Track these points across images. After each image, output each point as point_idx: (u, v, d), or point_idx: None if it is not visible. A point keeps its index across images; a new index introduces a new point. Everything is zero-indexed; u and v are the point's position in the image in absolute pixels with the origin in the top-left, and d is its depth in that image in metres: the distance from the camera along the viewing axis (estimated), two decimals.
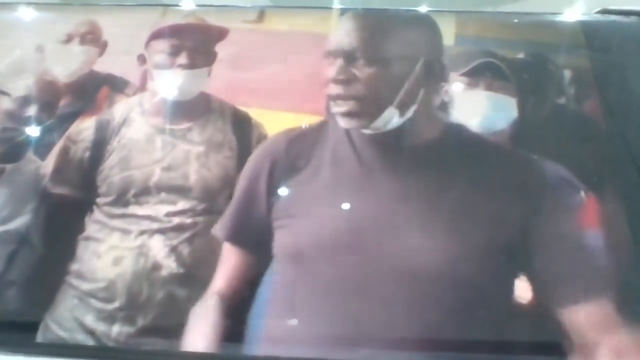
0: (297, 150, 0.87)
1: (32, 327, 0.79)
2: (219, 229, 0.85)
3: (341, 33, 0.89)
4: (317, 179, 0.84)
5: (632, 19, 1.04)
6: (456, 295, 0.75)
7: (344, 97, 0.86)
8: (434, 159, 0.85)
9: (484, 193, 0.81)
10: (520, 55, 1.00)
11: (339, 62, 0.86)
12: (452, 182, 0.82)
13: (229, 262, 0.82)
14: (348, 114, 0.86)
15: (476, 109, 0.93)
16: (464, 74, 0.95)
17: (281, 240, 0.81)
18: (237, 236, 0.84)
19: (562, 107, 0.97)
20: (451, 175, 0.83)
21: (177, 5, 1.09)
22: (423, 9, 1.06)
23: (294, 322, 0.76)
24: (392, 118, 0.86)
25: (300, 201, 0.84)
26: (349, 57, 0.86)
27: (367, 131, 0.86)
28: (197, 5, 1.09)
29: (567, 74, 0.99)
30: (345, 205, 0.81)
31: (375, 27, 0.91)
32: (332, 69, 0.86)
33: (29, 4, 1.11)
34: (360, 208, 0.81)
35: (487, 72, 0.94)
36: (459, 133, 0.89)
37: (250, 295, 0.78)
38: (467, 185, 0.82)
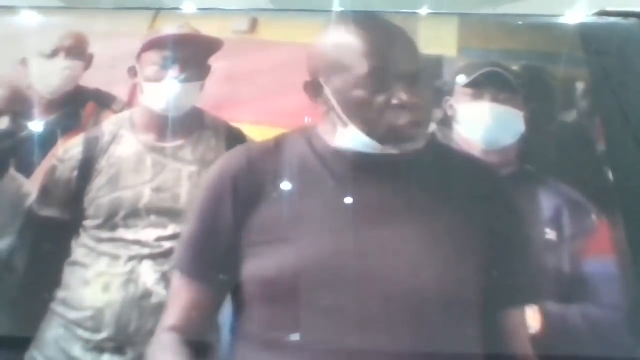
0: (261, 169, 0.80)
1: (17, 358, 0.75)
2: (175, 260, 0.78)
3: (381, 52, 0.80)
4: (291, 200, 0.78)
5: (631, 20, 1.02)
6: (445, 312, 0.72)
7: (414, 123, 0.78)
8: (407, 171, 0.81)
9: (454, 209, 0.79)
10: (525, 66, 0.97)
11: (403, 85, 0.78)
12: (426, 198, 0.79)
13: (185, 296, 0.75)
14: (413, 139, 0.79)
15: (481, 123, 0.90)
16: (468, 85, 0.91)
17: (258, 268, 0.75)
18: (196, 268, 0.77)
19: (568, 120, 0.95)
20: (426, 190, 0.80)
21: (177, 9, 1.05)
22: (424, 11, 1.03)
23: (296, 337, 0.72)
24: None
25: (277, 225, 0.77)
26: (411, 79, 0.79)
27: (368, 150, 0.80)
28: (199, 9, 1.05)
29: (575, 84, 0.96)
30: (328, 228, 0.76)
31: (409, 42, 0.84)
32: (399, 92, 0.78)
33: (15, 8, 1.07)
34: (342, 229, 0.76)
35: (492, 82, 0.90)
36: (437, 148, 0.86)
37: (210, 329, 0.75)
38: (450, 201, 0.79)
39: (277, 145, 0.82)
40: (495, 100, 0.90)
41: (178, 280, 0.77)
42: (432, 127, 0.88)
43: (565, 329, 0.76)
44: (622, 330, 0.74)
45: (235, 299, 0.75)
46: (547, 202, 0.84)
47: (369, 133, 0.79)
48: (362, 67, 0.79)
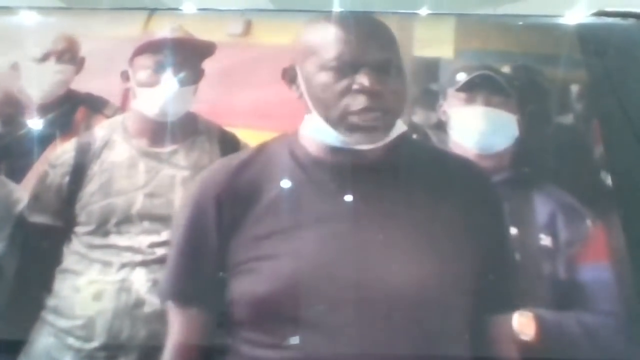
0: (243, 182, 0.78)
1: None
2: (160, 290, 0.76)
3: (352, 40, 0.79)
4: (277, 213, 0.76)
5: (630, 21, 1.01)
6: (429, 316, 0.72)
7: (369, 109, 0.77)
8: (391, 178, 0.80)
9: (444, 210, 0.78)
10: (520, 68, 0.96)
11: (367, 71, 0.77)
12: (407, 201, 0.78)
13: (176, 324, 0.74)
14: (371, 129, 0.77)
15: (474, 127, 0.89)
16: (460, 89, 0.90)
17: (246, 287, 0.73)
18: (184, 294, 0.75)
19: (566, 123, 0.94)
20: (415, 198, 0.79)
21: (177, 9, 1.04)
22: (424, 11, 1.02)
23: (295, 340, 0.70)
24: (396, 132, 0.80)
25: (262, 242, 0.75)
26: (378, 67, 0.78)
27: (363, 147, 0.79)
28: (198, 9, 1.05)
29: (570, 87, 0.95)
30: (313, 240, 0.74)
31: (384, 34, 0.83)
32: (361, 78, 0.77)
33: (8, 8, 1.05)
34: (327, 240, 0.74)
35: (484, 86, 0.89)
36: (412, 145, 0.85)
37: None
38: (433, 206, 0.78)
39: (257, 155, 0.81)
40: (487, 104, 0.89)
41: (170, 311, 0.75)
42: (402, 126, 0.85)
43: (560, 336, 0.75)
44: (618, 336, 0.74)
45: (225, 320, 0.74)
46: (541, 207, 0.83)
47: (327, 118, 0.78)
48: (329, 51, 0.79)
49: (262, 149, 0.82)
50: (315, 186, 0.78)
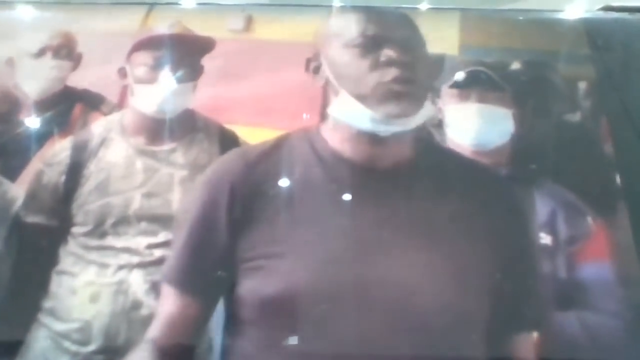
0: (260, 174, 0.75)
1: None
2: (163, 271, 0.74)
3: (375, 19, 0.79)
4: (293, 210, 0.74)
5: (637, 16, 0.99)
6: (450, 333, 0.69)
7: (400, 79, 0.74)
8: (412, 180, 0.77)
9: (468, 221, 0.75)
10: (520, 63, 0.94)
11: (392, 45, 0.75)
12: (437, 210, 0.75)
13: (171, 307, 0.72)
14: (403, 96, 0.74)
15: (469, 123, 0.87)
16: (453, 86, 0.88)
17: (255, 286, 0.70)
18: (186, 280, 0.73)
19: (567, 119, 0.92)
20: (434, 202, 0.76)
21: (176, 3, 1.02)
22: (424, 6, 1.01)
23: (294, 340, 0.68)
24: (425, 115, 0.78)
25: (279, 238, 0.72)
26: (403, 41, 0.77)
27: (390, 128, 0.76)
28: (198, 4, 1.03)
29: (574, 82, 0.93)
30: (328, 242, 0.72)
31: (406, 21, 0.82)
32: (388, 51, 0.75)
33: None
34: (343, 244, 0.72)
35: (477, 82, 0.88)
36: (436, 153, 0.83)
37: (191, 345, 0.71)
38: (454, 213, 0.75)
39: (276, 148, 0.78)
40: (481, 100, 0.87)
41: (166, 291, 0.73)
42: (430, 108, 0.83)
43: (562, 336, 0.74)
44: (620, 336, 0.72)
45: (228, 316, 0.72)
46: (541, 205, 0.81)
47: (359, 96, 0.75)
48: (352, 31, 0.77)
49: (281, 141, 0.79)
50: (333, 184, 0.75)
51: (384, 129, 0.75)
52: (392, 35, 0.77)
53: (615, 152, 0.84)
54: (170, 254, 0.75)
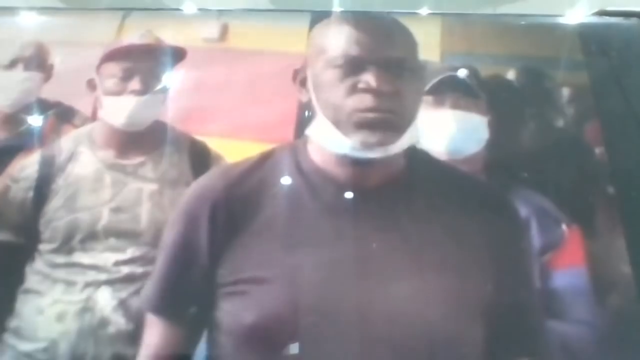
0: (241, 195, 0.73)
1: None
2: (142, 298, 0.73)
3: (363, 38, 0.75)
4: (276, 232, 0.71)
5: (632, 20, 0.97)
6: (440, 349, 0.67)
7: (378, 109, 0.72)
8: (403, 198, 0.75)
9: (455, 237, 0.73)
10: (504, 70, 0.93)
11: (374, 69, 0.73)
12: (429, 228, 0.73)
13: (156, 338, 0.71)
14: (378, 127, 0.72)
15: (443, 131, 0.85)
16: (427, 92, 0.86)
17: (236, 312, 0.69)
18: (165, 307, 0.71)
19: (547, 125, 0.91)
20: (426, 219, 0.74)
21: (178, 9, 1.02)
22: (424, 11, 0.99)
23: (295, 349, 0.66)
24: (407, 142, 0.75)
25: (262, 263, 0.70)
26: (388, 66, 0.73)
27: (369, 154, 0.74)
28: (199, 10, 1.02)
29: (562, 88, 0.91)
30: (312, 265, 0.69)
31: (401, 34, 0.79)
32: (367, 76, 0.72)
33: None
34: (332, 267, 0.69)
35: (451, 88, 0.86)
36: (426, 164, 0.80)
37: None
38: (448, 231, 0.73)
39: (259, 166, 0.76)
40: (455, 106, 0.86)
41: (149, 320, 0.72)
42: (415, 136, 0.82)
43: None
44: (592, 346, 0.71)
45: (210, 342, 0.70)
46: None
47: (335, 121, 0.73)
48: (336, 49, 0.75)
49: (265, 159, 0.77)
50: (318, 204, 0.73)
51: (362, 155, 0.73)
52: (378, 57, 0.74)
53: (608, 157, 0.82)
54: (150, 280, 0.73)
